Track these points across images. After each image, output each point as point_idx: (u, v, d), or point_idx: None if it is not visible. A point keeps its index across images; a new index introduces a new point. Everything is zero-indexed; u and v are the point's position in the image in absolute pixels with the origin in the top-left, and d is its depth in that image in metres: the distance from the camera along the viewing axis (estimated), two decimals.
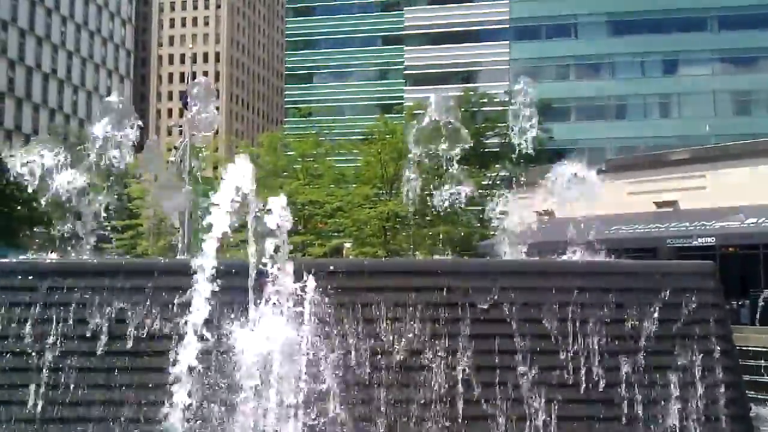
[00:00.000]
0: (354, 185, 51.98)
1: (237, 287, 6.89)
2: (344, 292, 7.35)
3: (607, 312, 7.65)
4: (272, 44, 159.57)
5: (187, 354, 6.45)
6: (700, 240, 26.49)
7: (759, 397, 14.78)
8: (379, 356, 7.28)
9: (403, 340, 7.31)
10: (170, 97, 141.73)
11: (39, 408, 7.03)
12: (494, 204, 12.11)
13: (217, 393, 6.85)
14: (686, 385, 7.53)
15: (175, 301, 7.18)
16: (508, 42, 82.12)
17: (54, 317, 7.27)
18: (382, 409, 7.14)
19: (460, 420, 7.21)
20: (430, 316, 7.42)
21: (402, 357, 7.26)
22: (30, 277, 7.42)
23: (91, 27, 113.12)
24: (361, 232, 52.01)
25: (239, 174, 6.90)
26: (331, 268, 7.46)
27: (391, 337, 7.32)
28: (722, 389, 7.59)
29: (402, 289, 7.48)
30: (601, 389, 7.49)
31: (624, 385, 7.50)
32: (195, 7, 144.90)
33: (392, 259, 29.68)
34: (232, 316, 7.00)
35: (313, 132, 56.32)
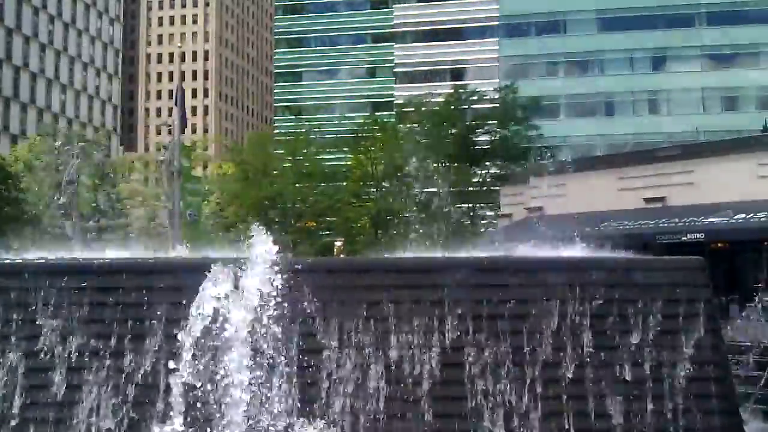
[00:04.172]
0: (344, 183, 51.95)
1: None
2: None
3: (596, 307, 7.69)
4: (261, 42, 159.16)
5: None
6: (689, 236, 26.57)
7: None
8: None
9: None
10: (159, 96, 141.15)
11: None
12: None
13: None
14: (676, 380, 7.57)
15: None
16: (497, 39, 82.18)
17: None
18: None
19: None
20: None
21: None
22: None
23: (79, 25, 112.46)
24: (351, 230, 52.03)
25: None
26: None
27: None
28: (711, 384, 7.64)
29: None
30: (590, 385, 7.52)
31: (614, 379, 7.53)
32: (183, 5, 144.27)
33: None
34: None
35: (303, 130, 56.22)
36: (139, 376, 7.32)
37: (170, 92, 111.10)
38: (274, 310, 7.22)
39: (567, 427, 7.37)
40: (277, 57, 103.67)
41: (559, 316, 7.63)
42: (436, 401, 7.38)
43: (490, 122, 54.50)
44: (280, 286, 7.27)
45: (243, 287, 7.22)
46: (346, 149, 55.78)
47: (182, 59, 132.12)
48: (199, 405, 7.08)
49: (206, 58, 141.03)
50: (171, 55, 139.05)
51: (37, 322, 7.48)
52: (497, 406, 7.36)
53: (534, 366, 7.50)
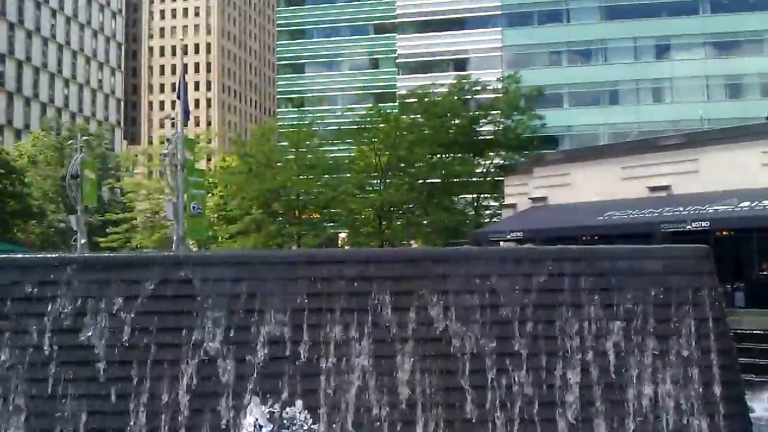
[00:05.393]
0: (348, 174, 51.85)
1: None
2: None
3: (603, 296, 7.69)
4: (264, 34, 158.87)
5: None
6: (694, 224, 26.48)
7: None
8: None
9: None
10: (162, 89, 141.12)
11: None
12: None
13: None
14: (682, 367, 7.57)
15: None
16: (500, 29, 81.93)
17: None
18: None
19: None
20: None
21: None
22: None
23: (82, 19, 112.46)
24: (355, 221, 52.00)
25: None
26: None
27: None
28: (717, 371, 7.64)
29: None
30: (590, 375, 7.53)
31: (621, 366, 7.53)
32: None
33: None
34: None
35: (306, 122, 56.11)
36: None
37: (173, 85, 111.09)
38: None
39: (573, 402, 7.41)
40: (279, 49, 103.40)
41: (555, 307, 7.67)
42: None
43: (494, 112, 54.34)
44: None
45: None
46: (349, 141, 55.66)
47: (185, 52, 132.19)
48: None
49: (208, 51, 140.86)
50: (173, 48, 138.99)
51: None
52: None
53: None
